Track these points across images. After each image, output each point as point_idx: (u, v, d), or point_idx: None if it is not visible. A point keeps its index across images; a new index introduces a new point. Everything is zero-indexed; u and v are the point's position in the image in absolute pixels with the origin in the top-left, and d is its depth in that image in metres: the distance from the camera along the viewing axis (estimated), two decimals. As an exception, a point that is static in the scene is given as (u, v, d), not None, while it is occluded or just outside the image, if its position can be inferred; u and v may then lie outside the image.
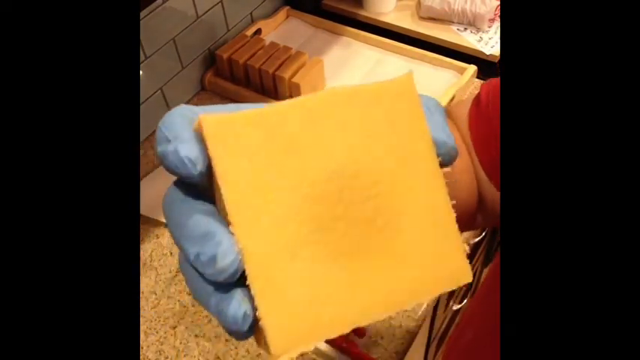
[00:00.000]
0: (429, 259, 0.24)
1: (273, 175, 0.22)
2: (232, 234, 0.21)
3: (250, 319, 0.21)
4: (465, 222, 0.41)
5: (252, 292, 0.21)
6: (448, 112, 0.45)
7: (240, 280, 0.22)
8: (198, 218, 0.22)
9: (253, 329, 0.22)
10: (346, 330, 0.22)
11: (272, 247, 0.21)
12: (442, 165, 0.25)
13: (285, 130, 0.22)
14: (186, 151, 0.22)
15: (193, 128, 0.23)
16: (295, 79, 0.95)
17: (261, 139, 0.22)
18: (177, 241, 0.23)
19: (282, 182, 0.22)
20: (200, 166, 0.22)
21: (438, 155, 0.25)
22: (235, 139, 0.21)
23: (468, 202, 0.41)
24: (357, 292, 0.22)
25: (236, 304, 0.21)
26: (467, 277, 0.25)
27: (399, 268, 0.23)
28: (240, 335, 0.22)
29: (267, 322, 0.21)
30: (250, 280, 0.21)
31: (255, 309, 0.21)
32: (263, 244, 0.21)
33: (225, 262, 0.21)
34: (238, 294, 0.21)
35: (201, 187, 0.23)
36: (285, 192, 0.22)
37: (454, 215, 0.24)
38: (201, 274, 0.22)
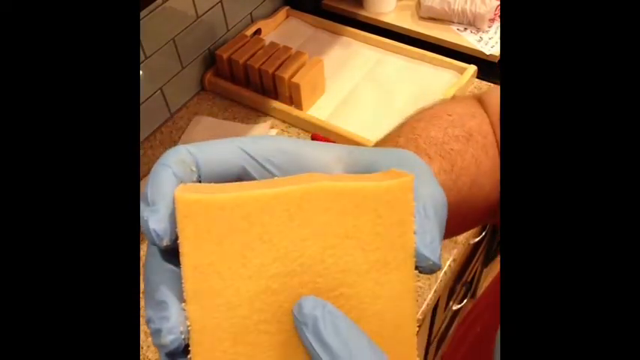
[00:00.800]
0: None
1: (237, 261, 0.22)
2: (184, 310, 0.22)
3: None
4: (489, 215, 0.39)
5: None
6: (480, 100, 0.41)
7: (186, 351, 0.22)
8: (160, 283, 0.24)
9: None
10: None
11: (218, 330, 0.22)
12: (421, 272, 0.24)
13: (261, 220, 0.22)
14: (155, 224, 0.22)
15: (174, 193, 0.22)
16: (295, 79, 0.95)
17: (234, 226, 0.22)
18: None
19: (244, 270, 0.22)
20: (166, 241, 0.22)
21: (417, 267, 0.24)
22: (206, 223, 0.21)
23: (490, 198, 0.38)
24: None
25: None
26: None
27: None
28: None
29: None
30: (191, 357, 0.22)
31: None
32: (210, 326, 0.22)
33: (167, 339, 0.22)
34: None
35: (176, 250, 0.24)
36: (245, 280, 0.22)
37: (415, 328, 0.24)
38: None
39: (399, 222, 0.23)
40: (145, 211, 0.23)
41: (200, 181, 0.24)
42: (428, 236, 0.24)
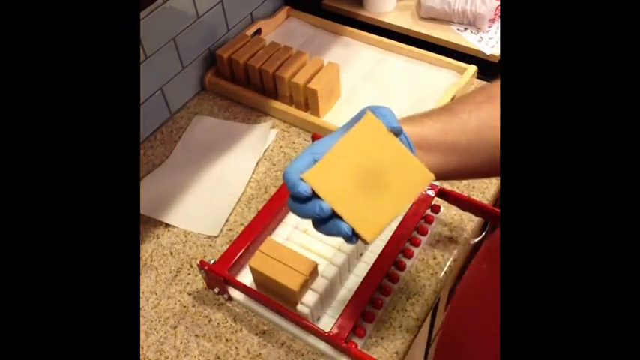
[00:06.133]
0: (408, 180, 0.47)
1: (341, 176, 0.47)
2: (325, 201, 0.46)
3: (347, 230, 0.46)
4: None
5: (344, 218, 0.46)
6: None
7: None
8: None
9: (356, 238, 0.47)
10: (393, 218, 0.47)
11: (344, 202, 0.46)
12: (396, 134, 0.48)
13: (338, 162, 0.47)
14: (302, 188, 0.46)
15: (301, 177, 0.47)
16: (295, 79, 0.95)
17: (330, 169, 0.47)
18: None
19: (345, 175, 0.47)
20: (308, 193, 0.46)
21: (392, 132, 0.48)
22: (321, 177, 0.47)
23: None
24: (384, 205, 0.47)
25: (343, 224, 0.46)
26: (428, 178, 0.47)
27: (397, 191, 0.47)
28: (349, 239, 0.47)
29: (357, 228, 0.46)
30: (341, 215, 0.46)
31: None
32: (341, 203, 0.46)
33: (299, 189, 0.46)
34: (339, 221, 0.46)
35: None
36: (346, 178, 0.47)
37: (415, 159, 0.47)
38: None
39: (379, 130, 0.48)
40: (294, 189, 0.46)
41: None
42: (388, 119, 0.48)
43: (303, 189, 0.46)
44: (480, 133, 0.49)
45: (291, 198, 0.47)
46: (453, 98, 0.95)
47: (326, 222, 0.47)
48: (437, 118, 0.51)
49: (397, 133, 0.48)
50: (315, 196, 0.46)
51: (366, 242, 0.46)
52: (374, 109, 0.49)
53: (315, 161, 0.47)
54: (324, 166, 0.46)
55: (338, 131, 0.50)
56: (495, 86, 0.50)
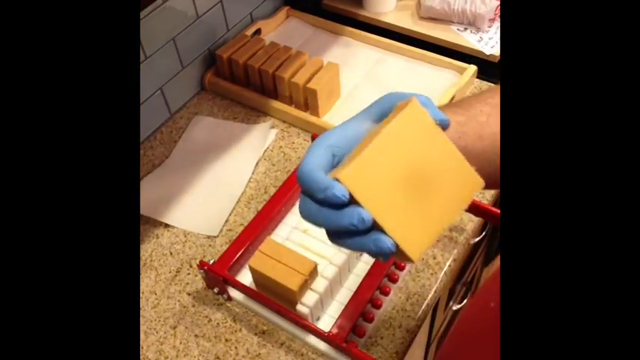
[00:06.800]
0: (459, 186, 0.39)
1: (382, 178, 0.37)
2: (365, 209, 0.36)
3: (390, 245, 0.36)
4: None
5: (387, 231, 0.36)
6: None
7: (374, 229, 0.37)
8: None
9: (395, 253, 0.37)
10: (441, 232, 0.39)
11: (387, 210, 0.37)
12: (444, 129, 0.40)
13: (379, 160, 0.37)
14: (339, 192, 0.36)
15: (330, 176, 0.37)
16: (295, 79, 0.95)
17: (371, 167, 0.37)
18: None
19: (387, 177, 0.37)
20: (345, 197, 0.36)
21: (440, 126, 0.39)
22: (359, 177, 0.37)
23: None
24: (433, 216, 0.38)
25: (386, 240, 0.36)
26: (480, 184, 0.40)
27: (446, 197, 0.38)
28: (387, 257, 0.37)
29: (402, 244, 0.37)
30: (384, 227, 0.36)
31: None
32: (385, 212, 0.37)
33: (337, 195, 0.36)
34: (380, 234, 0.36)
35: None
36: (389, 181, 0.37)
37: (464, 161, 0.39)
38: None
39: (423, 120, 0.39)
40: (326, 192, 0.36)
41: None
42: (433, 110, 0.39)
43: (341, 192, 0.35)
44: (498, 142, 0.42)
45: (315, 202, 0.37)
46: (452, 98, 0.95)
47: (361, 235, 0.37)
48: (452, 116, 0.43)
49: (444, 127, 0.40)
50: (352, 201, 0.36)
51: (410, 261, 0.38)
52: (405, 97, 0.41)
53: (334, 156, 0.39)
54: (362, 164, 0.37)
55: (356, 118, 0.42)
56: None
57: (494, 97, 0.45)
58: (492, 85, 1.02)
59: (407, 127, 0.38)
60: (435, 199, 0.38)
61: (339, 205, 0.36)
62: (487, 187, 0.42)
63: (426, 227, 0.38)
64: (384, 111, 0.41)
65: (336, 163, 0.39)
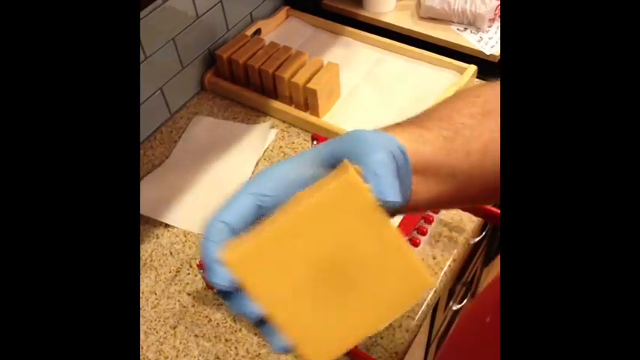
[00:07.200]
0: (395, 285, 0.32)
1: (290, 264, 0.31)
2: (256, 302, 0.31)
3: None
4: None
5: (284, 329, 0.31)
6: None
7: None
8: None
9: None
10: (359, 340, 0.32)
11: (288, 306, 0.31)
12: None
13: (288, 243, 0.31)
14: (219, 280, 0.30)
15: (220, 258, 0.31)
16: (295, 79, 0.95)
17: (271, 254, 0.31)
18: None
19: (297, 264, 0.31)
20: (230, 285, 0.31)
21: (385, 208, 0.31)
22: (253, 262, 0.31)
23: None
24: (348, 319, 0.32)
25: (279, 339, 0.32)
26: (427, 284, 0.33)
27: (375, 299, 0.32)
28: (285, 352, 0.32)
29: (301, 346, 0.32)
30: (279, 324, 0.31)
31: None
32: (284, 308, 0.31)
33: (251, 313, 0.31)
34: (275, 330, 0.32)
35: None
36: (298, 268, 0.31)
37: (409, 253, 0.32)
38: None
39: (360, 195, 0.31)
40: (209, 274, 0.31)
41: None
42: (382, 185, 0.31)
43: (221, 279, 0.30)
44: (485, 157, 0.39)
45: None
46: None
47: (257, 323, 0.32)
48: (438, 131, 0.38)
49: (392, 210, 0.31)
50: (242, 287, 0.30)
51: None
52: (361, 149, 0.32)
53: (259, 208, 0.32)
54: (261, 247, 0.30)
55: (300, 159, 0.35)
56: (490, 95, 0.41)
57: (467, 106, 0.40)
58: (492, 85, 1.02)
59: (335, 205, 0.30)
60: (359, 298, 0.31)
61: (224, 292, 0.31)
62: (474, 202, 0.39)
63: (341, 330, 0.32)
64: (335, 156, 0.34)
65: (264, 214, 0.32)
